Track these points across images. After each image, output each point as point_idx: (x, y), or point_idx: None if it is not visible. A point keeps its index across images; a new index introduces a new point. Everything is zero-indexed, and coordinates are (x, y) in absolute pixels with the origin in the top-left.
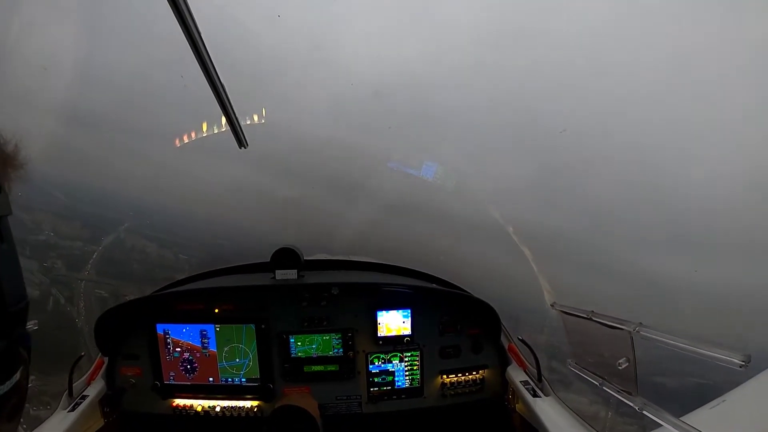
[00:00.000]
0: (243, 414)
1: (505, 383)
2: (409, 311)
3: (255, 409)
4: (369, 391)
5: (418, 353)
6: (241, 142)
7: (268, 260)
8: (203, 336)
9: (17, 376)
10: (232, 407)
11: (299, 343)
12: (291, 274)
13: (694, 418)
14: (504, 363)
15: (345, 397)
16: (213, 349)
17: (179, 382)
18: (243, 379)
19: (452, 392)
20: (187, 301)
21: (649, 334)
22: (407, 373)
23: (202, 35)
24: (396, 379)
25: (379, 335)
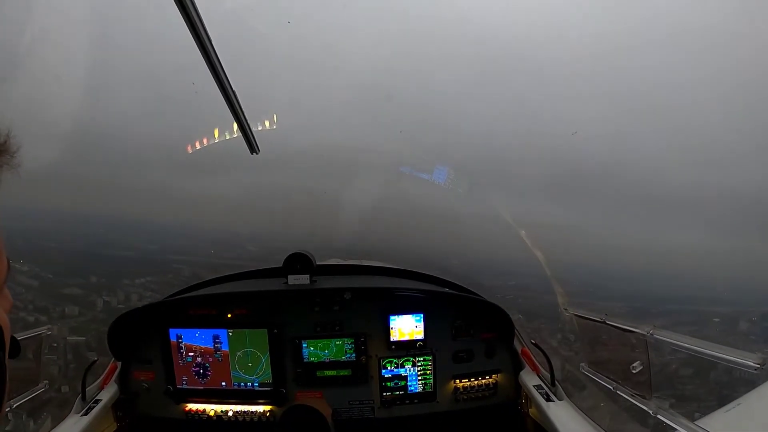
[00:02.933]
0: (255, 419)
1: (518, 388)
2: (422, 315)
3: (267, 414)
4: (382, 395)
5: (430, 358)
6: (252, 147)
7: (281, 265)
8: (216, 341)
9: None
10: (244, 412)
11: (312, 348)
12: (303, 279)
13: (709, 421)
14: (517, 367)
15: (358, 402)
16: (226, 353)
17: (192, 387)
18: (256, 384)
19: (465, 397)
20: (200, 306)
21: (663, 338)
22: (420, 377)
23: (213, 41)
24: (409, 383)
25: (391, 340)
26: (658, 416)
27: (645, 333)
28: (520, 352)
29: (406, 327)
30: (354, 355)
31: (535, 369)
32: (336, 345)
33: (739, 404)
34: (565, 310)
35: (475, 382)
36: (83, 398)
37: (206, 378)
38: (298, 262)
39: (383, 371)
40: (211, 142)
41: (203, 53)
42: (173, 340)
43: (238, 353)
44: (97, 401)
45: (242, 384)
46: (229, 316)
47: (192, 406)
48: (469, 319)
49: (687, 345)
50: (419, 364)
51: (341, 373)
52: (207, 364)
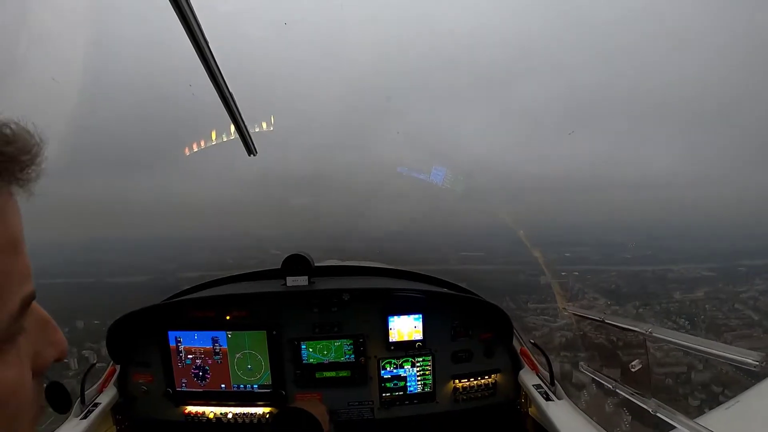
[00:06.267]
0: (255, 420)
1: (517, 387)
2: (421, 316)
3: (267, 416)
4: (381, 396)
5: (430, 358)
6: (250, 149)
7: (279, 267)
8: (215, 343)
9: None
10: (244, 414)
11: (311, 350)
12: (302, 280)
13: (708, 419)
14: (516, 367)
15: (357, 403)
16: (225, 355)
17: (191, 389)
18: (255, 386)
19: (465, 397)
20: (198, 308)
21: (662, 336)
22: (419, 378)
23: (210, 44)
24: (408, 384)
25: (390, 341)
26: (658, 414)
27: (644, 331)
28: (519, 351)
29: (405, 328)
30: (353, 356)
31: (534, 368)
32: (335, 346)
33: (738, 401)
34: (564, 309)
35: (475, 382)
36: (82, 402)
37: (205, 380)
38: (296, 263)
39: (382, 372)
40: (209, 144)
41: (200, 56)
42: (172, 342)
43: (237, 355)
44: (96, 404)
45: (241, 386)
46: (228, 318)
47: (191, 409)
48: (468, 320)
49: (687, 343)
50: (418, 364)
51: (340, 375)
52: (206, 367)
